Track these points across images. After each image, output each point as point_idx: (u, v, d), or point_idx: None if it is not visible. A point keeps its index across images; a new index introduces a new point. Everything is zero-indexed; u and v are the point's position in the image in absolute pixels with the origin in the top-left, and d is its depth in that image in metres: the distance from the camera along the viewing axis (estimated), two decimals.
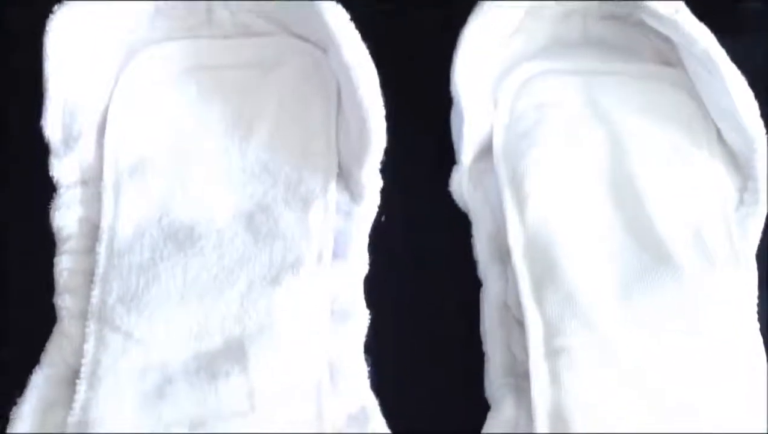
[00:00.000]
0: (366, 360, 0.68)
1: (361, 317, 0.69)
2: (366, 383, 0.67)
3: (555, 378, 0.65)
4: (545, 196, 0.72)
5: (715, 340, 0.67)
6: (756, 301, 0.69)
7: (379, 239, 0.72)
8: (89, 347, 0.65)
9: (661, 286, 0.67)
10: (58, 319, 0.67)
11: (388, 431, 0.65)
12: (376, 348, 0.69)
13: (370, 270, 0.71)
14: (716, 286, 0.68)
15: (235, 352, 0.65)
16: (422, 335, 0.71)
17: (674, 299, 0.67)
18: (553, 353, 0.66)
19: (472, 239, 0.73)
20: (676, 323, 0.67)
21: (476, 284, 0.72)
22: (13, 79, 0.76)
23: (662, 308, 0.67)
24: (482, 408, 0.68)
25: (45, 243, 0.70)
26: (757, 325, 0.69)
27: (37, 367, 0.66)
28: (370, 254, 0.71)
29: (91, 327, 0.66)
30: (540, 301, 0.68)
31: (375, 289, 0.70)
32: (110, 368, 0.64)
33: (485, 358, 0.69)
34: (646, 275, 0.68)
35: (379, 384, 0.67)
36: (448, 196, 0.74)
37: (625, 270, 0.69)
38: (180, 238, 0.69)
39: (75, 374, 0.65)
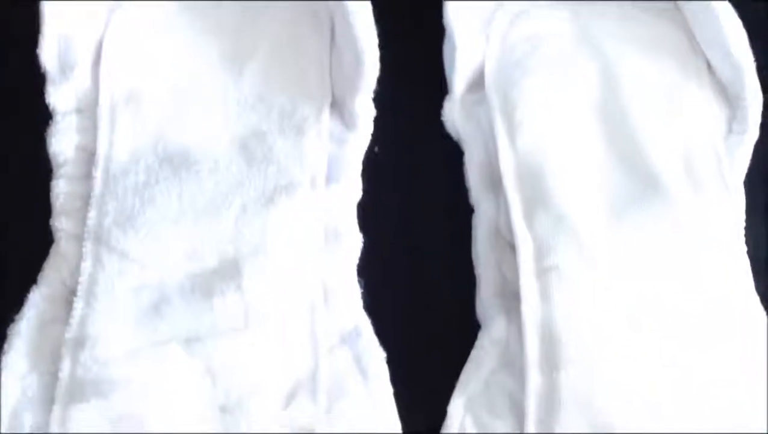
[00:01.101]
0: (359, 282, 0.69)
1: (354, 240, 0.70)
2: (359, 303, 0.68)
3: (545, 295, 0.66)
4: (537, 124, 0.72)
5: (701, 261, 0.67)
6: (743, 225, 0.71)
7: (373, 167, 0.73)
8: (86, 266, 0.66)
9: (650, 209, 0.69)
10: (55, 241, 0.68)
11: (380, 349, 0.66)
12: (368, 272, 0.70)
13: (363, 197, 0.72)
14: (704, 210, 0.69)
15: (229, 271, 0.66)
16: (415, 258, 0.72)
17: (663, 222, 0.68)
18: (543, 271, 0.67)
19: (464, 168, 0.74)
20: (664, 243, 0.68)
21: (468, 211, 0.73)
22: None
23: (651, 230, 0.68)
24: (474, 328, 0.69)
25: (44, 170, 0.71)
26: (744, 248, 0.70)
27: (34, 286, 0.67)
28: (363, 182, 0.72)
29: (88, 247, 0.67)
30: (531, 223, 0.69)
31: (368, 215, 0.71)
32: (106, 286, 0.65)
33: (477, 281, 0.70)
34: (635, 198, 0.69)
35: (372, 307, 0.68)
36: (441, 125, 0.75)
37: (615, 194, 0.70)
38: (175, 162, 0.70)
39: (72, 293, 0.66)
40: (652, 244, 0.67)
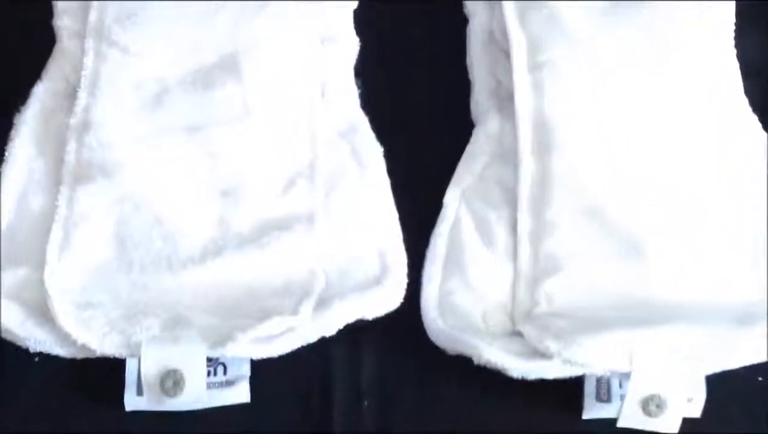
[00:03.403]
0: (356, 83, 0.71)
1: (351, 42, 0.71)
2: (356, 102, 0.70)
3: (538, 88, 0.67)
4: None
5: (692, 58, 0.68)
6: (733, 29, 0.72)
7: None
8: (88, 61, 0.68)
9: (644, 7, 0.70)
10: (58, 39, 0.70)
11: (377, 143, 0.68)
12: (365, 71, 0.71)
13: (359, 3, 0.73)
14: (699, 12, 0.70)
15: (229, 66, 0.67)
16: (411, 63, 0.73)
17: (656, 19, 0.69)
18: (536, 66, 0.68)
19: None
20: (657, 41, 0.68)
21: (463, 18, 0.74)
22: None
23: (644, 27, 0.69)
24: (469, 128, 0.70)
25: None
26: (734, 51, 0.71)
27: (38, 82, 0.68)
28: None
29: (90, 43, 0.68)
30: (524, 23, 0.70)
31: (364, 20, 0.72)
32: (109, 79, 0.67)
33: (471, 86, 0.72)
34: (626, 4, 0.70)
35: (369, 106, 0.70)
36: None
37: None
38: None
39: (74, 89, 0.68)
40: (645, 41, 0.68)
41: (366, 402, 0.62)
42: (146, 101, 0.66)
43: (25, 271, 0.61)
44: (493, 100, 0.71)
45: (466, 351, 0.60)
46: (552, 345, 0.58)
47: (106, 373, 0.61)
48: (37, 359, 0.61)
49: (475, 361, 0.60)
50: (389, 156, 0.68)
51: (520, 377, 0.59)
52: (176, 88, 0.67)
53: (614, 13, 0.69)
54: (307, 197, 0.65)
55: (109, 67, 0.67)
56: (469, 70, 0.73)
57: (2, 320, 0.58)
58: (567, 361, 0.58)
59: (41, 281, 0.60)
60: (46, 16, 0.71)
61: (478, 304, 0.63)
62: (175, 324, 0.59)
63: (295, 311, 0.59)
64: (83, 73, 0.67)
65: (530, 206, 0.65)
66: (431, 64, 0.74)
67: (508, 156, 0.68)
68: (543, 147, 0.66)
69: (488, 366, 0.59)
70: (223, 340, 0.58)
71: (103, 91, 0.66)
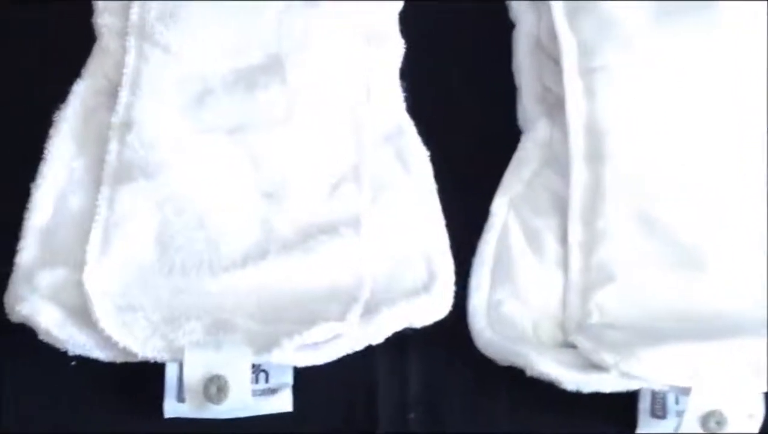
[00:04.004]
0: (402, 85, 0.69)
1: (396, 44, 0.70)
2: (401, 104, 0.68)
3: (590, 93, 0.66)
4: None
5: (746, 64, 0.66)
6: None
7: None
8: (130, 59, 0.66)
9: (698, 12, 0.67)
10: (98, 36, 0.68)
11: (423, 147, 0.66)
12: (411, 75, 0.70)
13: (405, 5, 0.71)
14: (759, 14, 0.68)
15: (273, 66, 0.66)
16: (456, 66, 0.72)
17: (710, 24, 0.67)
18: (588, 71, 0.66)
19: None
20: (712, 46, 0.66)
21: (509, 22, 0.73)
22: None
23: (699, 32, 0.67)
24: (516, 135, 0.69)
25: None
26: None
27: (78, 79, 0.67)
28: None
29: (132, 41, 0.67)
30: (574, 25, 0.68)
31: (410, 21, 0.71)
32: (150, 78, 0.66)
33: (518, 91, 0.71)
34: (683, 6, 0.69)
35: (414, 109, 0.68)
36: None
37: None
38: None
39: (114, 88, 0.67)
40: (703, 44, 0.66)
41: (412, 414, 0.60)
42: (188, 101, 0.65)
43: (63, 272, 0.60)
44: (541, 106, 0.69)
45: (518, 361, 0.58)
46: (608, 358, 0.56)
47: (141, 379, 0.59)
48: (73, 363, 0.59)
49: (528, 373, 0.58)
50: (433, 161, 0.67)
51: (574, 390, 0.57)
52: (219, 89, 0.66)
53: (670, 15, 0.67)
54: (353, 201, 0.63)
55: (151, 66, 0.66)
56: (516, 75, 0.71)
57: (41, 322, 0.56)
58: (624, 374, 0.56)
59: (80, 283, 0.59)
60: (83, 13, 0.70)
61: (527, 314, 0.62)
62: (218, 329, 0.57)
63: (342, 318, 0.58)
64: (124, 71, 0.66)
65: (582, 215, 0.63)
66: (477, 68, 0.72)
67: (558, 163, 0.66)
68: (595, 154, 0.64)
69: (541, 377, 0.58)
70: (268, 346, 0.56)
71: (145, 90, 0.65)
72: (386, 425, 0.60)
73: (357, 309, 0.58)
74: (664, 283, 0.61)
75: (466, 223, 0.65)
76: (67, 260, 0.60)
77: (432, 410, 0.60)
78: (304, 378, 0.59)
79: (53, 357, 0.59)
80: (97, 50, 0.68)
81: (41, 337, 0.57)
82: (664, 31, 0.67)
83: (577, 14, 0.68)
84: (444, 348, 0.62)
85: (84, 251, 0.60)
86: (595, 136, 0.65)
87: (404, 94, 0.69)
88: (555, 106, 0.69)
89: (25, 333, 0.59)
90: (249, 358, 0.56)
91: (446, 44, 0.73)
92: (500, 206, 0.65)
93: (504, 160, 0.68)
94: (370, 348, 0.60)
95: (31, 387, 0.61)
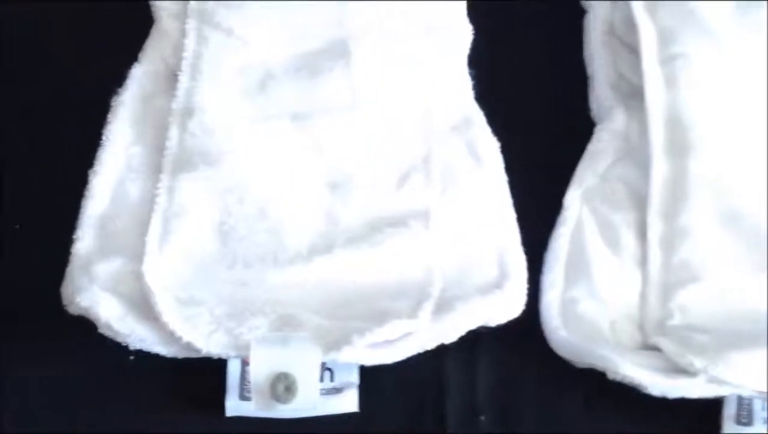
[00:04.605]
0: (469, 73, 0.67)
1: (464, 31, 0.67)
2: (470, 93, 0.65)
3: (671, 82, 0.63)
4: None
5: None
6: None
7: None
8: (189, 42, 0.64)
9: None
10: (156, 20, 0.66)
11: (493, 137, 0.63)
12: (478, 63, 0.67)
13: None
14: None
15: (337, 51, 0.64)
16: (526, 54, 0.69)
17: None
18: (668, 59, 0.63)
19: None
20: None
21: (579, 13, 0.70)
22: None
23: None
24: (589, 125, 0.66)
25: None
26: None
27: (135, 63, 0.65)
28: None
29: (191, 24, 0.65)
30: (653, 12, 0.65)
31: (477, 8, 0.68)
32: (211, 62, 0.63)
33: (589, 81, 0.68)
34: None
35: (482, 100, 0.65)
36: None
37: None
38: None
39: (173, 72, 0.65)
40: None
41: (482, 417, 0.57)
42: (250, 87, 0.63)
43: (120, 262, 0.57)
44: (616, 95, 0.66)
45: (597, 363, 0.55)
46: (696, 362, 0.53)
47: (196, 375, 0.56)
48: (132, 358, 0.57)
49: (610, 376, 0.55)
50: (503, 152, 0.63)
51: (660, 395, 0.54)
52: (281, 74, 0.63)
53: (751, 2, 0.65)
54: (423, 192, 0.60)
55: (212, 50, 0.64)
56: (587, 63, 0.68)
57: (102, 314, 0.54)
58: (713, 380, 0.53)
59: (138, 274, 0.56)
60: None
61: (604, 313, 0.58)
62: (284, 324, 0.55)
63: (413, 315, 0.55)
64: (184, 55, 0.64)
65: (662, 210, 0.60)
66: (547, 56, 0.69)
67: (635, 155, 0.63)
68: (677, 146, 0.61)
69: (624, 381, 0.55)
70: (338, 343, 0.53)
71: (206, 75, 0.63)
72: (455, 426, 0.57)
73: (429, 306, 0.55)
74: (751, 284, 0.58)
75: (537, 217, 0.62)
76: (125, 250, 0.58)
77: (503, 412, 0.58)
78: (370, 377, 0.57)
79: (110, 350, 0.57)
80: (154, 33, 0.66)
81: (101, 330, 0.55)
82: (746, 18, 0.65)
83: (655, 2, 0.66)
84: (515, 347, 0.59)
85: (143, 242, 0.57)
86: (676, 127, 0.62)
87: (472, 82, 0.66)
88: (630, 95, 0.66)
89: (80, 325, 0.57)
90: (318, 356, 0.53)
91: (515, 31, 0.70)
92: (573, 200, 0.62)
93: (576, 151, 0.65)
94: (437, 348, 0.57)
95: (82, 383, 0.58)
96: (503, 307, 0.57)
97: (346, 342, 0.53)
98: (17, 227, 0.63)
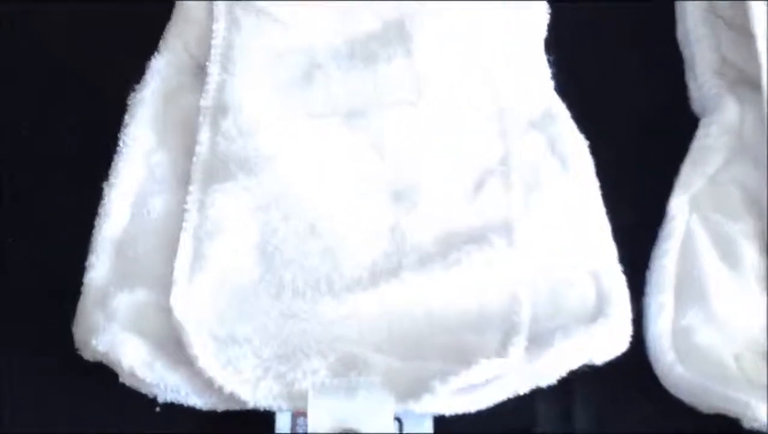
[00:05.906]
0: (548, 60, 0.58)
1: (540, 10, 0.58)
2: (549, 83, 0.56)
3: None
4: None
5: None
6: None
7: None
8: (219, 28, 0.56)
9: None
10: (177, 2, 0.57)
11: (580, 134, 0.54)
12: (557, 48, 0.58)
13: None
14: None
15: (395, 35, 0.55)
16: (611, 35, 0.60)
17: None
18: None
19: None
20: None
21: None
22: None
23: None
24: (688, 119, 0.57)
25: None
26: None
27: (155, 53, 0.56)
28: None
29: (220, 7, 0.56)
30: None
31: None
32: (245, 51, 0.55)
33: (686, 63, 0.59)
34: None
35: (564, 89, 0.57)
36: None
37: None
38: None
39: (196, 63, 0.57)
40: None
41: None
42: (293, 79, 0.54)
43: (143, 294, 0.48)
44: (722, 82, 0.57)
45: (730, 408, 0.46)
46: None
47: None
48: (158, 409, 0.47)
49: (745, 424, 0.45)
50: (591, 152, 0.54)
51: None
52: (330, 63, 0.55)
53: None
54: (503, 201, 0.51)
55: (245, 36, 0.55)
56: (683, 46, 0.60)
57: (125, 360, 0.44)
58: None
59: (166, 309, 0.47)
60: None
61: (727, 344, 0.49)
62: (346, 367, 0.45)
63: (503, 353, 0.45)
64: (213, 43, 0.55)
65: None
66: (636, 40, 0.61)
67: (751, 153, 0.54)
68: None
69: (762, 430, 0.46)
70: (416, 391, 0.44)
71: (239, 66, 0.54)
72: None
73: (520, 341, 0.46)
74: None
75: (634, 228, 0.53)
76: (148, 279, 0.48)
77: None
78: (445, 424, 0.47)
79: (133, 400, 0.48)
80: (176, 18, 0.57)
81: (123, 380, 0.45)
82: None
83: None
84: (617, 387, 0.49)
85: (170, 269, 0.48)
86: None
87: (551, 70, 0.57)
88: (739, 82, 0.57)
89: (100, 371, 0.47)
90: (391, 407, 0.43)
91: (597, 12, 0.61)
92: (680, 207, 0.53)
93: (677, 150, 0.56)
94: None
95: None
96: (609, 339, 0.47)
97: (426, 389, 0.44)
98: (10, 240, 0.53)
